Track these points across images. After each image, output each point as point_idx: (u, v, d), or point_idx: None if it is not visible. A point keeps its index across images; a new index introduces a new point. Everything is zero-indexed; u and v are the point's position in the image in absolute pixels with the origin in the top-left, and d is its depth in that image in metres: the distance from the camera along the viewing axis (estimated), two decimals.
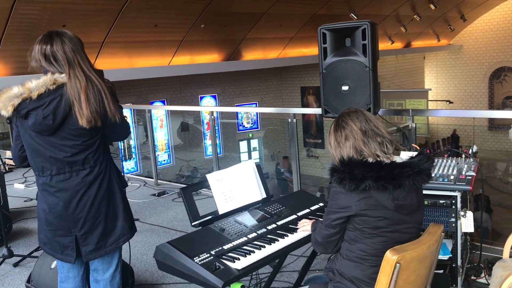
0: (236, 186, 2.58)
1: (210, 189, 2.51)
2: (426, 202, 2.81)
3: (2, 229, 4.06)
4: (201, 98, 17.57)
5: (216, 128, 17.03)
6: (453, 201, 2.78)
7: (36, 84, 2.16)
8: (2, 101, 2.15)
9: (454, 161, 3.02)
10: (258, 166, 2.72)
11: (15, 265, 3.99)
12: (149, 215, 5.21)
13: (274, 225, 2.47)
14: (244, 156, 16.57)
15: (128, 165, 11.49)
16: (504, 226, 9.16)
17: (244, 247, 2.24)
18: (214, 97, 17.73)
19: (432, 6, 15.79)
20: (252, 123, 17.20)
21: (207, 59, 12.90)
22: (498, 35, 19.25)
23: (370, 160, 1.94)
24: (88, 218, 2.29)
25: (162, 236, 4.56)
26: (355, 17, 13.33)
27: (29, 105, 2.15)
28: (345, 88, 3.50)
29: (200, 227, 2.40)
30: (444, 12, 17.53)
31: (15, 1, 8.64)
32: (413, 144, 3.24)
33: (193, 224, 2.40)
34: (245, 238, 2.31)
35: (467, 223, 2.79)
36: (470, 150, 3.14)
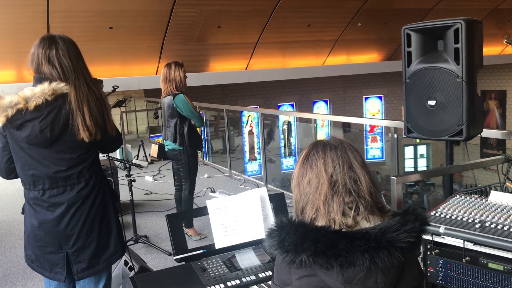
0: (240, 218, 2.18)
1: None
2: (501, 268, 2.04)
3: None
4: (366, 99, 16.86)
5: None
6: None
7: (32, 93, 2.00)
8: None
9: None
10: (278, 196, 2.28)
11: None
12: None
13: (270, 273, 2.02)
14: (409, 162, 15.36)
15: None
16: None
17: None
18: (380, 98, 16.86)
19: None
20: None
21: (365, 58, 12.23)
22: None
23: (320, 223, 1.34)
24: (81, 234, 2.18)
25: None
26: None
27: (25, 116, 2.02)
28: (431, 102, 2.80)
29: (183, 262, 2.08)
30: None
31: (174, 5, 9.25)
32: (507, 183, 2.39)
33: (175, 258, 2.09)
34: (221, 286, 1.92)
35: None
36: None
